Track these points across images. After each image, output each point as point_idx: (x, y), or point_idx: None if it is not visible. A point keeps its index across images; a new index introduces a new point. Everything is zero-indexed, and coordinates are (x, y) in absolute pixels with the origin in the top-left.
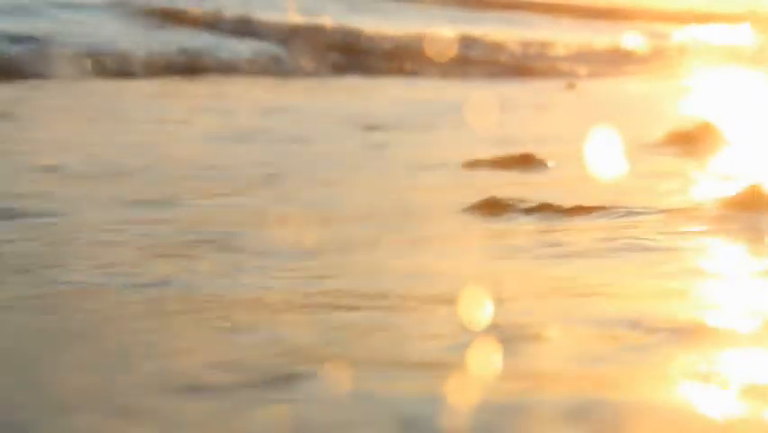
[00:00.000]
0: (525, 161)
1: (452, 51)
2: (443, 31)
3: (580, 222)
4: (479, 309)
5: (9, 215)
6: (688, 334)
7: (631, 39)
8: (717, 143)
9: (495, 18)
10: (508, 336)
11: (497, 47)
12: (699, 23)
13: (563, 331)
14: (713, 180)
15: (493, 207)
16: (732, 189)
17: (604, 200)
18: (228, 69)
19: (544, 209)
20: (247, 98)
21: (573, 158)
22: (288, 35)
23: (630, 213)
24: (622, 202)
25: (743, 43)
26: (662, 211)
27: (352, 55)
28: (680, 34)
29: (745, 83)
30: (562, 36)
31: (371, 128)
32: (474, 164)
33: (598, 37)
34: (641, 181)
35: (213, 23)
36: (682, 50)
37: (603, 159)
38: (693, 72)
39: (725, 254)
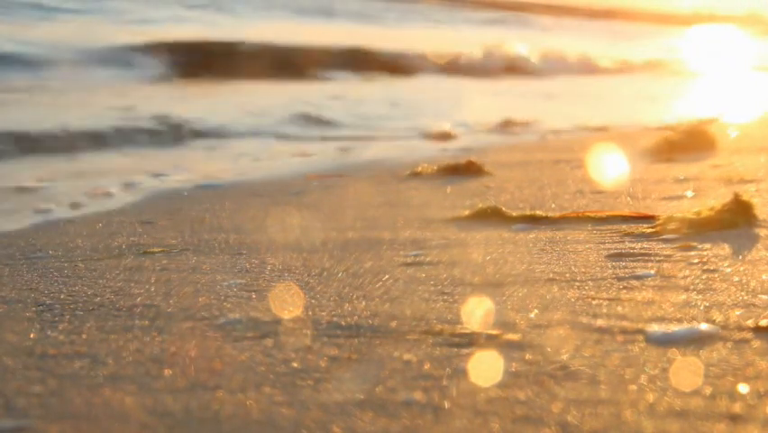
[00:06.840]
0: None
1: None
2: None
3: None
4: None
5: None
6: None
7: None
8: (710, 148)
9: None
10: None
11: None
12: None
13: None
14: (704, 187)
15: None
16: (716, 198)
17: (594, 208)
18: None
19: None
20: None
21: None
22: None
23: (618, 221)
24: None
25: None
26: (649, 219)
27: None
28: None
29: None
30: None
31: None
32: None
33: None
34: (633, 189)
35: None
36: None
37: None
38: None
39: (711, 263)
